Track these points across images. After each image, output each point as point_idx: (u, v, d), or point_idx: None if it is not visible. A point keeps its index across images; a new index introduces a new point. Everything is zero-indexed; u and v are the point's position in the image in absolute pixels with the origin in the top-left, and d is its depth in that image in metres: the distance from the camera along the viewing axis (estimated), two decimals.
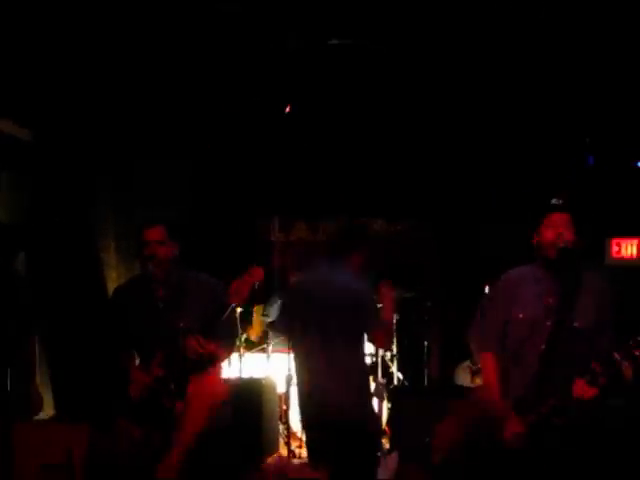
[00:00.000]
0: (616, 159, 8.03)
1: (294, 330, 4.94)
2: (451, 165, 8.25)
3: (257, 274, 4.26)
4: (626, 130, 7.55)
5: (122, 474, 4.22)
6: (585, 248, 4.13)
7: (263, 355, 7.21)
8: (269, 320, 7.40)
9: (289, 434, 6.77)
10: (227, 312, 4.28)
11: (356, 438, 4.71)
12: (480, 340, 4.30)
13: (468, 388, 7.23)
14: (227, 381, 4.54)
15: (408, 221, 8.88)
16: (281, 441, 6.86)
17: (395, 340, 7.51)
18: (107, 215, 7.23)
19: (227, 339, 4.57)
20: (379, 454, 5.34)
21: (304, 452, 6.32)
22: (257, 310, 7.81)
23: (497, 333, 4.18)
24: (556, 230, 4.05)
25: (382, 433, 5.23)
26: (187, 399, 4.28)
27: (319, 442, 4.89)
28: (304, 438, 5.60)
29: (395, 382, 7.51)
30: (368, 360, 6.82)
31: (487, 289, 7.89)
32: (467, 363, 7.95)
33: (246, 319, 7.56)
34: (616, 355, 3.75)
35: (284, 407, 6.85)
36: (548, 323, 4.03)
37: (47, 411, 5.51)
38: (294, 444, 6.72)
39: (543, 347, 4.02)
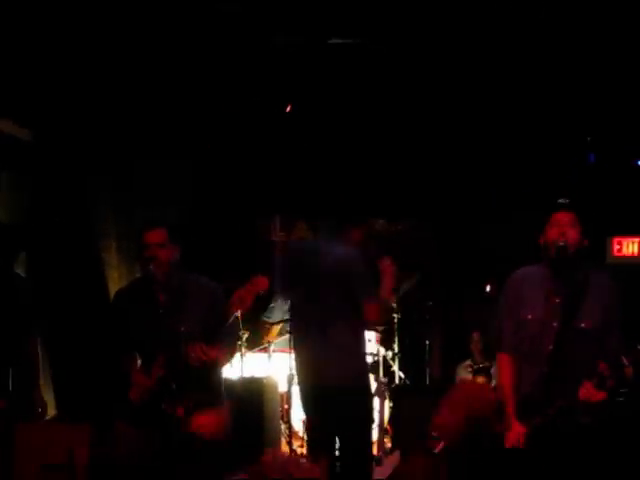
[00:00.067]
0: (617, 158, 8.03)
1: (290, 293, 5.08)
2: (451, 165, 8.25)
3: (261, 283, 4.25)
4: (626, 129, 7.55)
5: (123, 475, 4.21)
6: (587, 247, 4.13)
7: (264, 354, 7.21)
8: (271, 321, 7.42)
9: (291, 433, 6.76)
10: (230, 320, 4.29)
11: (345, 400, 4.79)
12: (496, 341, 4.29)
13: None
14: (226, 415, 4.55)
15: (409, 221, 8.88)
16: (283, 440, 6.86)
17: (397, 339, 7.51)
18: (108, 215, 7.23)
19: (229, 345, 4.57)
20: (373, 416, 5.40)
21: (305, 451, 6.32)
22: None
23: (510, 334, 4.17)
24: (559, 229, 4.04)
25: (371, 395, 5.26)
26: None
27: (308, 405, 5.04)
28: (306, 437, 5.62)
29: (397, 381, 7.50)
30: (370, 359, 6.83)
31: (487, 288, 7.92)
32: (468, 362, 7.95)
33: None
34: (624, 360, 3.75)
35: (285, 406, 6.85)
36: (554, 324, 4.02)
37: (48, 411, 5.50)
38: (296, 443, 6.72)
39: (551, 348, 4.01)
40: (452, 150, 8.05)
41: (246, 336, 7.05)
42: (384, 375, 7.12)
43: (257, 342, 7.42)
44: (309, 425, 5.31)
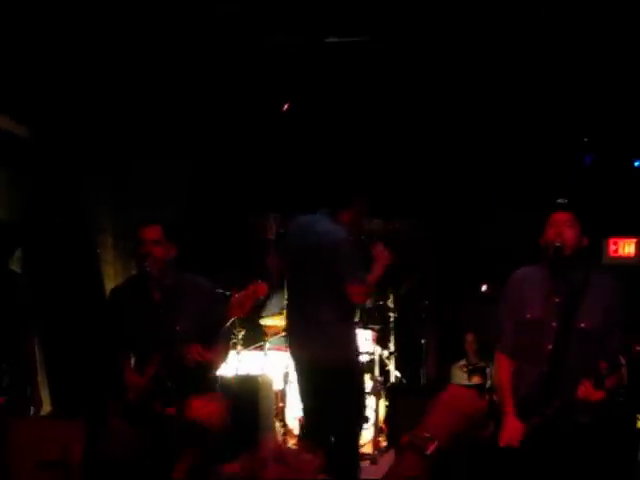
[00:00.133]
0: (614, 159, 8.03)
1: (282, 263, 5.16)
2: (448, 165, 8.25)
3: (260, 290, 4.27)
4: (623, 130, 7.56)
5: (117, 472, 4.22)
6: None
7: (260, 352, 7.21)
8: (265, 314, 7.43)
9: (286, 431, 6.77)
10: (228, 324, 4.32)
11: (326, 378, 4.88)
12: (495, 341, 4.31)
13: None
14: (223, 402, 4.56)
15: (405, 220, 8.89)
16: (278, 438, 6.86)
17: (392, 338, 7.52)
18: (104, 212, 7.23)
19: (224, 346, 4.59)
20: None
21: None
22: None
23: (510, 335, 4.18)
24: (556, 229, 4.06)
25: (356, 373, 5.26)
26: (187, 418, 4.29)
27: (298, 382, 5.15)
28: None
29: (392, 380, 7.51)
30: (366, 358, 6.84)
31: (483, 288, 7.93)
32: (463, 362, 7.98)
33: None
34: (622, 359, 3.77)
35: (281, 404, 6.85)
36: (554, 324, 4.03)
37: (43, 407, 5.52)
38: (290, 441, 6.73)
39: (550, 348, 4.02)
40: (450, 150, 8.05)
41: (242, 334, 7.05)
42: (380, 374, 7.12)
43: (253, 340, 7.42)
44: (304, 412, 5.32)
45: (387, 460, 6.33)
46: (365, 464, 6.30)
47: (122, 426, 4.28)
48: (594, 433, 3.96)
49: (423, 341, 7.96)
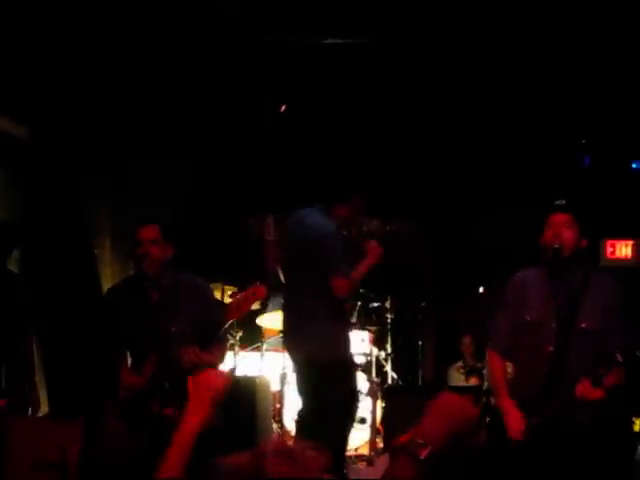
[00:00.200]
0: (611, 161, 8.04)
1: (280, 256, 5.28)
2: (448, 165, 8.25)
3: (259, 293, 4.27)
4: (621, 132, 7.57)
5: (113, 473, 4.22)
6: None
7: (257, 353, 7.21)
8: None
9: (283, 433, 6.76)
10: (226, 326, 4.32)
11: (311, 374, 4.92)
12: (489, 339, 4.31)
13: (461, 388, 7.26)
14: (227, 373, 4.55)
15: (404, 221, 8.88)
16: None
17: (389, 340, 7.52)
18: (102, 213, 7.23)
19: (221, 347, 4.59)
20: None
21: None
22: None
23: (506, 335, 4.19)
24: (554, 231, 4.06)
25: (347, 370, 5.23)
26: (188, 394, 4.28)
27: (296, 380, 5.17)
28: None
29: (389, 381, 7.51)
30: (362, 359, 6.84)
31: (481, 289, 7.93)
32: (460, 363, 7.98)
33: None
34: (619, 357, 3.77)
35: (278, 406, 6.84)
36: (553, 325, 4.04)
37: (41, 408, 5.51)
38: (288, 443, 6.71)
39: (551, 349, 4.03)
40: (449, 151, 8.06)
41: (240, 335, 7.05)
42: (377, 375, 7.13)
43: (250, 341, 7.42)
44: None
45: (383, 462, 6.32)
46: (361, 465, 6.31)
47: (119, 426, 4.27)
48: (593, 432, 3.97)
49: (420, 342, 7.96)
